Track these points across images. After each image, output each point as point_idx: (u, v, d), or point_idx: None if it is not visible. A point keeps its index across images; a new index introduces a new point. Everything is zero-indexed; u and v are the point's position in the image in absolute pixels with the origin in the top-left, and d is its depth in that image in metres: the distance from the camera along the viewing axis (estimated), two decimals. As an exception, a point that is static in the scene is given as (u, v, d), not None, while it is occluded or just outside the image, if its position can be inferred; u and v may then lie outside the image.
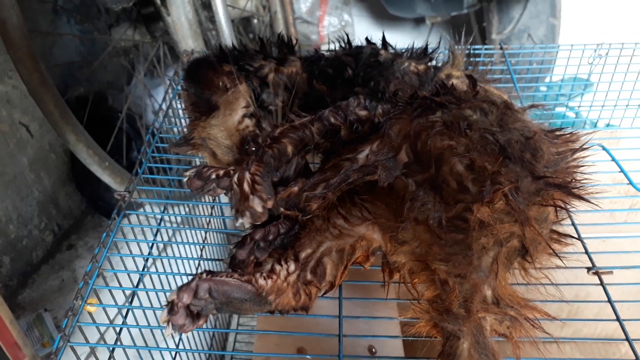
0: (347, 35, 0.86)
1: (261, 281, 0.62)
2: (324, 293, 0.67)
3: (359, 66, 0.78)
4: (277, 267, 0.64)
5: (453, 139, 0.60)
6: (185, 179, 0.70)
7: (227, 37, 1.37)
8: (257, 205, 0.65)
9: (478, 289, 0.57)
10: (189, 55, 1.14)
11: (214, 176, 0.69)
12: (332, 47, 0.87)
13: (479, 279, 0.57)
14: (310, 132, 0.70)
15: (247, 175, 0.67)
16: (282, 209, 0.68)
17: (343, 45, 0.85)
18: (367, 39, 0.86)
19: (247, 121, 0.78)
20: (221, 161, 0.82)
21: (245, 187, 0.66)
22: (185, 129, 1.01)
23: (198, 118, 0.82)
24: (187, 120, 0.87)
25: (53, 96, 1.29)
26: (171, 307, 0.59)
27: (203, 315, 0.61)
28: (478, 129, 0.61)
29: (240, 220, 0.65)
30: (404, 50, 0.83)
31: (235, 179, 0.67)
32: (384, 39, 0.84)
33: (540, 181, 0.59)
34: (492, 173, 0.57)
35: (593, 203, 0.62)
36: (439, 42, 0.86)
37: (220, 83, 0.79)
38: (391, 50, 0.84)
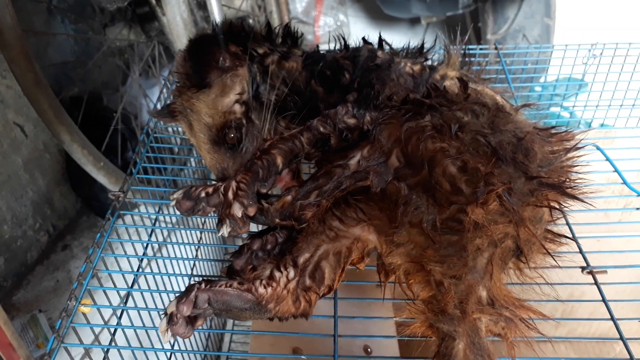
0: (344, 38, 0.85)
1: (261, 289, 0.62)
2: (322, 296, 0.67)
3: (356, 70, 0.77)
4: (277, 274, 0.64)
5: (445, 142, 0.60)
6: (172, 203, 0.69)
7: (222, 37, 1.37)
8: (237, 210, 0.65)
9: (473, 289, 0.57)
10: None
11: (203, 194, 0.68)
12: (331, 46, 0.86)
13: (474, 280, 0.57)
14: (300, 142, 0.70)
15: (233, 184, 0.67)
16: (277, 220, 0.68)
17: (340, 45, 0.85)
18: (364, 39, 0.85)
19: (237, 107, 0.75)
20: (196, 136, 0.79)
21: (230, 194, 0.66)
22: (180, 130, 1.00)
23: (187, 86, 0.78)
24: (175, 83, 0.84)
25: (47, 96, 1.28)
26: (170, 318, 0.59)
27: (201, 317, 0.61)
28: (469, 131, 0.61)
29: (221, 231, 0.65)
30: (400, 50, 0.83)
31: (221, 189, 0.67)
32: (380, 39, 0.84)
33: (534, 181, 0.60)
34: (485, 174, 0.58)
35: (587, 203, 0.63)
36: (435, 41, 0.86)
37: (221, 61, 0.75)
38: (387, 50, 0.84)
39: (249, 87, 0.76)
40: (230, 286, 0.61)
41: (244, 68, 0.76)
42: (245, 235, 0.71)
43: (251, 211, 0.66)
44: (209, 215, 0.69)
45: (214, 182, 0.71)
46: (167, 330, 0.58)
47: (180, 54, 0.79)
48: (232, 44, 0.77)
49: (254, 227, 0.75)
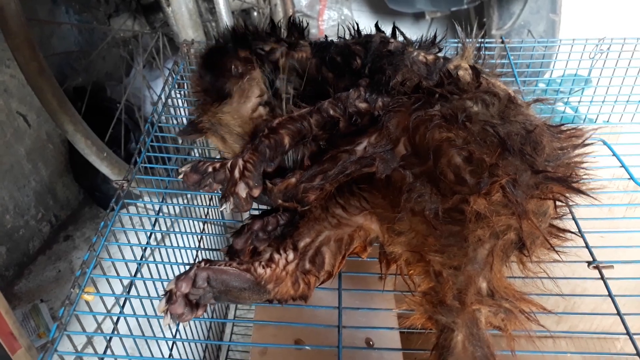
0: (357, 24, 0.85)
1: (260, 270, 0.62)
2: (322, 282, 0.67)
3: (368, 56, 0.77)
4: (276, 256, 0.64)
5: (452, 132, 0.60)
6: (180, 176, 0.69)
7: (227, 28, 1.37)
8: (241, 190, 0.65)
9: (473, 280, 0.57)
10: (188, 45, 1.14)
11: (210, 169, 0.68)
12: (335, 39, 0.85)
13: (473, 270, 0.57)
14: (309, 123, 0.70)
15: (240, 162, 0.67)
16: (280, 201, 0.68)
17: (350, 33, 0.84)
18: (376, 25, 0.85)
19: (261, 110, 0.77)
20: (231, 147, 0.81)
21: (236, 172, 0.66)
22: (188, 118, 1.00)
23: (209, 102, 0.80)
24: (194, 102, 0.86)
25: (51, 85, 1.28)
26: (169, 296, 0.59)
27: (202, 305, 0.61)
28: (478, 121, 0.61)
29: (224, 206, 0.65)
30: (413, 40, 0.83)
31: (228, 165, 0.67)
32: (394, 28, 0.84)
33: (539, 175, 0.59)
34: (490, 165, 0.57)
35: (592, 197, 0.62)
36: (446, 32, 0.85)
37: (234, 68, 0.77)
38: (401, 39, 0.83)
39: (267, 86, 0.77)
40: (230, 266, 0.61)
41: (256, 70, 0.77)
42: (246, 216, 0.71)
43: (255, 192, 0.66)
44: (215, 192, 0.70)
45: (221, 159, 0.72)
46: (166, 310, 0.58)
47: (194, 74, 0.82)
48: (241, 50, 0.78)
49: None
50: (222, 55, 0.78)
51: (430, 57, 0.78)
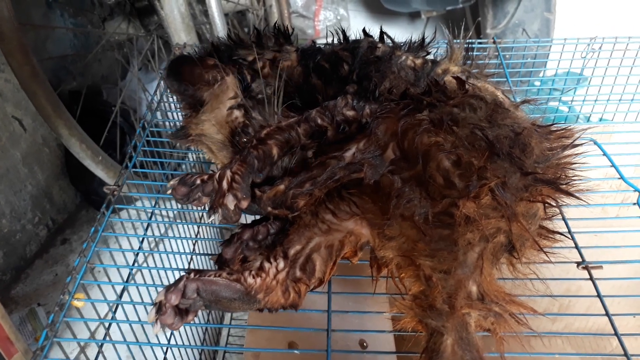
0: (343, 31, 0.84)
1: (250, 280, 0.62)
2: (313, 289, 0.67)
3: (355, 62, 0.77)
4: (266, 265, 0.64)
5: (440, 136, 0.60)
6: (169, 191, 0.69)
7: (220, 31, 1.37)
8: (230, 202, 0.65)
9: (462, 284, 0.57)
10: (181, 48, 1.14)
11: (198, 181, 0.68)
12: (329, 40, 0.85)
13: (463, 274, 0.57)
14: (297, 133, 0.70)
15: (228, 173, 0.67)
16: (269, 209, 0.68)
17: (340, 38, 0.84)
18: (364, 30, 0.85)
19: (236, 112, 0.76)
20: (218, 157, 0.81)
21: (224, 184, 0.66)
22: (177, 124, 1.00)
23: (191, 115, 0.81)
24: (183, 116, 0.87)
25: (45, 89, 1.28)
26: (159, 307, 0.59)
27: (192, 311, 0.61)
28: (467, 124, 0.61)
29: (212, 217, 0.65)
30: (401, 43, 0.83)
31: (216, 176, 0.67)
32: (381, 32, 0.84)
33: (528, 177, 0.59)
34: (479, 168, 0.57)
35: (582, 199, 0.62)
36: (434, 34, 0.85)
37: (210, 77, 0.77)
38: (389, 43, 0.83)
39: (239, 90, 0.77)
40: (219, 276, 0.61)
41: (230, 76, 0.77)
42: (217, 223, 0.72)
43: (244, 204, 0.65)
44: (205, 206, 0.69)
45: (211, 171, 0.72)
46: (155, 320, 0.58)
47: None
48: (209, 58, 0.79)
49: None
50: (188, 64, 0.78)
51: (419, 62, 0.78)
